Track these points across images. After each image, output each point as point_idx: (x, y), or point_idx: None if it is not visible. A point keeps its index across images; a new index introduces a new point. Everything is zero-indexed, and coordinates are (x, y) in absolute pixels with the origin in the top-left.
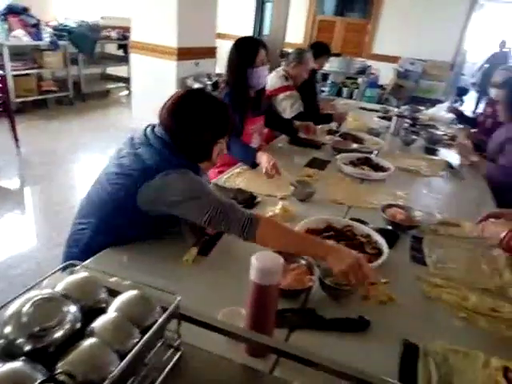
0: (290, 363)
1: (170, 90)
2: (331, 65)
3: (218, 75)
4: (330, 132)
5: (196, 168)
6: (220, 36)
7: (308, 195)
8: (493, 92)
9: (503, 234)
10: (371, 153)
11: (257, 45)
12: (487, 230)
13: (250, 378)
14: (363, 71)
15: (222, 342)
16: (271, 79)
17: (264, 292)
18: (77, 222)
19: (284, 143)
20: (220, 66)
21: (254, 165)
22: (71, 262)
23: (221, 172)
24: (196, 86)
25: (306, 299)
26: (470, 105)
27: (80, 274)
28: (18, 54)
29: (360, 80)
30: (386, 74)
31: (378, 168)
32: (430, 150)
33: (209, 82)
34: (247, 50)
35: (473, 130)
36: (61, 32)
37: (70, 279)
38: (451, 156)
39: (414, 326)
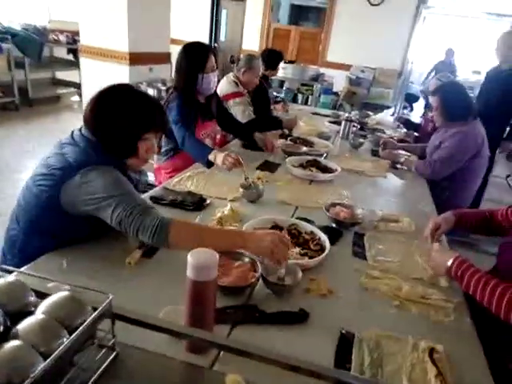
0: (231, 357)
1: None
2: (286, 71)
3: (173, 81)
4: (282, 136)
5: (121, 166)
6: (175, 42)
7: (257, 196)
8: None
9: (449, 263)
10: (321, 156)
11: (207, 51)
12: (433, 260)
13: (189, 373)
14: (317, 78)
15: (162, 341)
16: (222, 85)
17: (200, 288)
18: (9, 228)
19: (237, 147)
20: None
21: (209, 164)
22: (2, 266)
23: (172, 177)
24: (150, 91)
25: (249, 296)
26: (419, 111)
27: (7, 278)
28: None
29: (315, 87)
30: (339, 81)
31: (326, 170)
32: (376, 153)
33: (163, 88)
34: (197, 56)
35: (416, 134)
36: (4, 35)
37: None
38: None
39: (351, 316)
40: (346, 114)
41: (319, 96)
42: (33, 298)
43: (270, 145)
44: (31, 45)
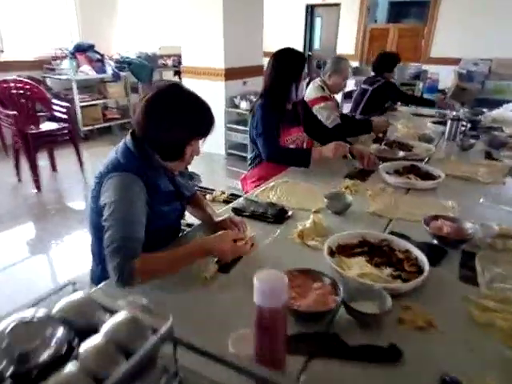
0: None
1: (219, 108)
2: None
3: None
4: (376, 140)
5: (159, 170)
6: (267, 54)
7: (343, 208)
8: None
9: None
10: (422, 161)
11: (303, 60)
12: None
13: None
14: (419, 76)
15: (232, 371)
16: (309, 90)
17: (267, 315)
18: (90, 232)
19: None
20: None
21: (309, 163)
22: (71, 281)
23: (258, 186)
24: (243, 103)
25: (329, 323)
26: None
27: (78, 293)
28: (85, 86)
29: (416, 85)
30: (445, 78)
31: (427, 177)
32: (491, 155)
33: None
34: (294, 65)
35: None
36: (122, 64)
37: (66, 299)
38: None
39: (457, 358)
40: (454, 113)
41: (422, 95)
42: (100, 315)
43: (366, 159)
44: (143, 71)
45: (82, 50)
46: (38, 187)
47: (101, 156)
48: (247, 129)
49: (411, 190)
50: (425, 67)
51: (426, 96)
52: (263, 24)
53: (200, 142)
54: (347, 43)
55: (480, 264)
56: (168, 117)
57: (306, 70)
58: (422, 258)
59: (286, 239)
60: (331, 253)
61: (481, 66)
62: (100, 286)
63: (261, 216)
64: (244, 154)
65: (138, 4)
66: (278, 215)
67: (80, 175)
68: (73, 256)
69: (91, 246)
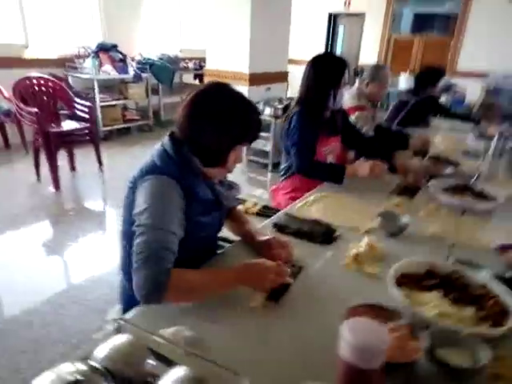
0: None
1: None
2: (410, 85)
3: (290, 99)
4: (417, 153)
5: (198, 177)
6: (290, 62)
7: (400, 229)
8: None
9: None
10: (470, 178)
11: (344, 65)
12: None
13: None
14: (447, 89)
15: None
16: (345, 99)
17: (360, 377)
18: (122, 245)
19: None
20: (292, 89)
21: (343, 179)
22: (116, 318)
23: (293, 198)
24: (267, 110)
25: (409, 375)
26: None
27: (124, 337)
28: (106, 86)
29: (443, 99)
30: (472, 92)
31: (481, 197)
32: None
33: (279, 106)
34: (334, 70)
35: None
36: (143, 65)
37: (111, 345)
38: None
39: None
40: (499, 127)
41: (450, 108)
42: (152, 364)
43: (413, 175)
44: (164, 73)
45: (105, 49)
46: (57, 187)
47: (119, 157)
48: (270, 135)
49: (467, 211)
50: (452, 80)
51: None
52: (290, 30)
53: (244, 148)
54: (370, 52)
55: None
56: (213, 119)
57: (346, 76)
58: (506, 297)
59: (338, 264)
60: (396, 283)
61: (510, 80)
62: (132, 312)
63: (307, 235)
64: (265, 161)
65: (161, 5)
66: (325, 234)
67: (99, 176)
68: (89, 259)
69: (122, 261)
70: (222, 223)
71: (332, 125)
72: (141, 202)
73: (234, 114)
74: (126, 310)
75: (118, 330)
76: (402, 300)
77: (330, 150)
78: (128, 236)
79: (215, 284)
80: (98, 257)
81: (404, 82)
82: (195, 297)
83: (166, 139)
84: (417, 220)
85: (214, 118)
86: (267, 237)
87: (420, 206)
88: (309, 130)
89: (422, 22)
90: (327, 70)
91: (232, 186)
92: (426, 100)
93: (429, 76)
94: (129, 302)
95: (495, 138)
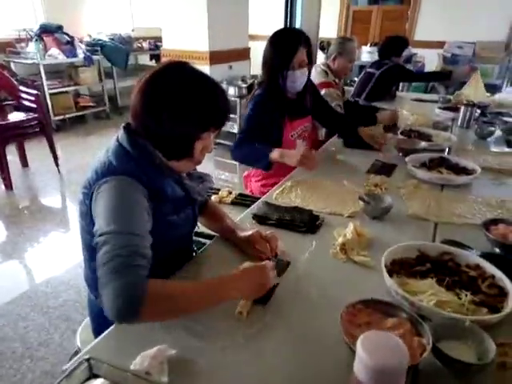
0: None
1: None
2: (373, 56)
3: (253, 77)
4: (388, 128)
5: (157, 170)
6: (251, 37)
7: (384, 211)
8: None
9: None
10: (443, 151)
11: (296, 43)
12: None
13: None
14: (409, 59)
15: None
16: (311, 75)
17: None
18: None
19: (338, 146)
20: (254, 67)
21: (268, 166)
22: (86, 358)
23: (264, 185)
24: (231, 89)
25: (415, 375)
26: None
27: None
28: (54, 72)
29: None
30: (431, 61)
31: (458, 170)
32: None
33: (244, 85)
34: (284, 49)
35: None
36: (94, 47)
37: None
38: None
39: None
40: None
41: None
42: None
43: (380, 142)
44: (118, 54)
45: (49, 31)
46: (8, 185)
47: (75, 148)
48: (235, 116)
49: (445, 186)
50: (412, 50)
51: None
52: (248, 4)
53: (212, 135)
54: (330, 25)
55: None
56: (173, 105)
57: (303, 56)
58: (501, 276)
59: (325, 254)
60: (389, 272)
61: (465, 49)
62: (104, 338)
63: (289, 224)
64: (231, 144)
65: None
66: (309, 223)
67: (54, 170)
68: (51, 262)
69: (85, 274)
70: (196, 220)
71: (299, 106)
72: (100, 209)
73: (197, 96)
74: (96, 328)
75: (90, 370)
76: (400, 292)
77: (298, 134)
78: (88, 247)
79: (199, 297)
80: (61, 259)
81: (366, 54)
82: (179, 311)
83: (120, 132)
84: (398, 199)
85: (173, 103)
86: (250, 231)
87: (399, 184)
88: (262, 116)
89: None
90: (278, 47)
91: (203, 178)
92: (392, 69)
93: (392, 45)
94: (99, 319)
95: (462, 108)
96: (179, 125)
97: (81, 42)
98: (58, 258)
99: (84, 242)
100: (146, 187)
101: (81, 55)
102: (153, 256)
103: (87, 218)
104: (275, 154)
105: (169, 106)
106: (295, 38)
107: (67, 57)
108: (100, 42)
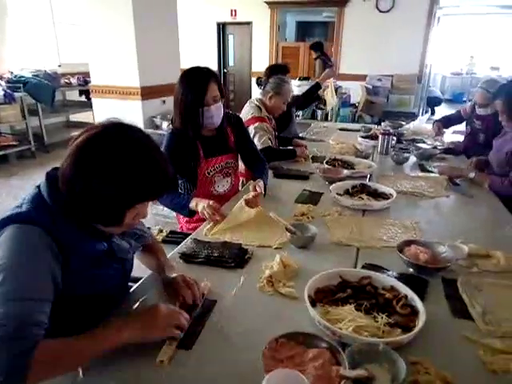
0: None
1: None
2: (301, 88)
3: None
4: (315, 159)
5: (74, 226)
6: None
7: (308, 240)
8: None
9: None
10: (365, 178)
11: (207, 79)
12: None
13: None
14: (335, 91)
15: None
16: (244, 110)
17: None
18: None
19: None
20: None
21: (190, 213)
22: None
23: (189, 222)
24: (164, 123)
25: None
26: (441, 115)
27: None
28: None
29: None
30: (355, 93)
31: (377, 195)
32: (424, 167)
33: None
34: (196, 86)
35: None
36: (15, 84)
37: None
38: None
39: None
40: (376, 126)
41: (338, 110)
42: None
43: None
44: (43, 91)
45: None
46: None
47: None
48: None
49: (366, 211)
50: (338, 83)
51: (341, 110)
52: (179, 41)
53: (149, 203)
54: (261, 60)
55: (465, 293)
56: (105, 172)
57: (215, 91)
58: (412, 296)
59: (253, 288)
60: (312, 302)
61: (384, 81)
62: None
63: (218, 261)
64: None
65: (31, 17)
66: (237, 257)
67: None
68: None
69: None
70: (128, 273)
71: (218, 143)
72: None
73: (134, 164)
74: None
75: None
76: (321, 321)
77: (218, 170)
78: None
79: (93, 344)
80: None
81: (295, 88)
82: (68, 366)
83: (43, 181)
84: (323, 227)
85: (105, 171)
86: (174, 274)
87: (325, 212)
88: (171, 155)
89: (304, 30)
90: (189, 86)
91: (139, 235)
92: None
93: (275, 71)
94: None
95: (380, 137)
96: (110, 193)
97: (0, 78)
98: None
99: None
100: (56, 241)
101: (0, 93)
102: (77, 304)
103: None
104: (192, 204)
105: (100, 173)
106: (205, 74)
107: None
108: (23, 78)
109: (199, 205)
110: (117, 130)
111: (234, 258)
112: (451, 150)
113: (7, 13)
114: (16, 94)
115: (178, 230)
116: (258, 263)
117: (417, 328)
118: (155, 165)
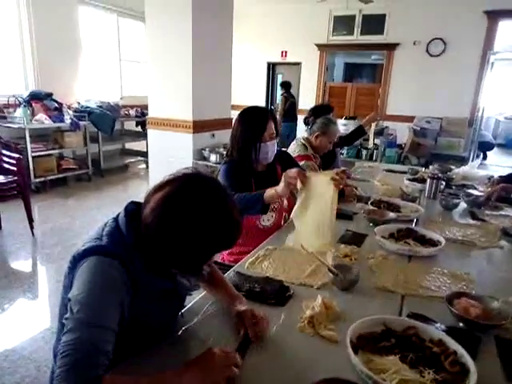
0: None
1: (187, 161)
2: (347, 127)
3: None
4: (360, 199)
5: (143, 265)
6: (235, 107)
7: (351, 283)
8: None
9: None
10: (411, 222)
11: (266, 117)
12: None
13: None
14: (381, 132)
15: None
16: (290, 148)
17: None
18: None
19: None
20: None
21: (264, 208)
22: None
23: (231, 254)
24: (213, 156)
25: None
26: (493, 160)
27: None
28: (40, 135)
29: (378, 141)
30: (402, 134)
31: (424, 241)
32: (476, 215)
33: (225, 152)
34: (255, 124)
35: None
36: (81, 113)
37: None
38: (503, 220)
39: None
40: (423, 169)
41: (384, 150)
42: None
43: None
44: (104, 120)
45: (39, 98)
46: None
47: (53, 211)
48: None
49: (412, 257)
50: (384, 124)
51: (387, 150)
52: (231, 80)
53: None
54: (308, 99)
55: None
56: (189, 228)
57: (272, 128)
58: (463, 352)
59: (292, 328)
60: (354, 348)
61: (433, 123)
62: None
63: (259, 295)
64: None
65: (101, 53)
66: (278, 294)
67: (29, 234)
68: (11, 332)
69: (54, 345)
70: (183, 307)
71: (269, 178)
72: (75, 289)
73: (216, 219)
74: None
75: None
76: (364, 370)
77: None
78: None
79: None
80: (23, 329)
81: (341, 127)
82: None
83: (121, 214)
84: (367, 270)
85: (190, 227)
86: (243, 307)
87: (369, 255)
88: (236, 179)
89: (352, 71)
90: (249, 122)
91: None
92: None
93: (319, 111)
94: None
95: (428, 181)
96: (192, 247)
97: (69, 108)
98: (19, 328)
99: (60, 315)
100: (129, 274)
101: (68, 120)
102: (133, 335)
103: (69, 291)
104: (267, 194)
105: (184, 228)
106: (264, 113)
107: (54, 122)
108: (88, 108)
109: (279, 187)
110: (197, 183)
111: (275, 294)
112: (506, 199)
113: (81, 49)
114: (81, 123)
115: (219, 261)
116: (298, 302)
117: None
118: (232, 216)
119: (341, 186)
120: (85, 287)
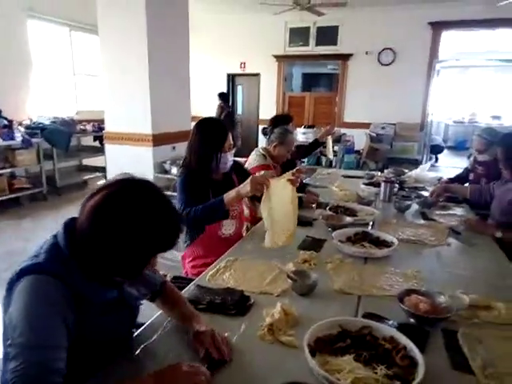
0: None
1: (147, 174)
2: (307, 136)
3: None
4: (319, 205)
5: (84, 279)
6: (194, 119)
7: (310, 288)
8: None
9: None
10: (367, 225)
11: (225, 129)
12: None
13: None
14: (339, 139)
15: None
16: (250, 158)
17: None
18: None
19: None
20: None
21: (227, 214)
22: None
23: (195, 266)
24: (174, 169)
25: None
26: (444, 162)
27: None
28: None
29: (337, 148)
30: (359, 140)
31: (379, 243)
32: (426, 215)
33: None
34: (216, 134)
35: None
36: (34, 130)
37: None
38: (450, 219)
39: None
40: (379, 173)
41: (343, 156)
42: None
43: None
44: (59, 136)
45: None
46: None
47: (5, 234)
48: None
49: (368, 259)
50: (342, 131)
51: (346, 156)
52: (190, 89)
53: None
54: (268, 109)
55: (466, 345)
56: (125, 231)
57: (231, 140)
58: (412, 347)
59: (253, 336)
60: (311, 351)
61: (387, 129)
62: None
63: (220, 307)
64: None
65: (53, 69)
66: (239, 304)
67: None
68: None
69: (2, 373)
70: (134, 320)
71: (225, 187)
72: (13, 314)
73: (153, 221)
74: None
75: None
76: (320, 372)
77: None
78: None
79: None
80: None
81: (301, 135)
82: None
83: (60, 231)
84: (324, 274)
85: (126, 231)
86: (202, 328)
87: (327, 259)
88: (194, 188)
89: (309, 81)
90: (209, 133)
91: (149, 281)
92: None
93: (278, 121)
94: None
95: (382, 184)
96: (130, 250)
97: (20, 124)
98: None
99: (4, 341)
100: (70, 290)
101: (19, 138)
102: (85, 350)
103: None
104: (229, 197)
105: (120, 232)
106: (223, 125)
107: (3, 140)
108: (40, 124)
109: (244, 187)
110: (130, 187)
111: (236, 305)
112: (453, 198)
113: (31, 63)
114: (33, 140)
115: (183, 275)
116: (259, 311)
117: (416, 381)
118: (170, 217)
119: (297, 184)
120: (21, 309)
